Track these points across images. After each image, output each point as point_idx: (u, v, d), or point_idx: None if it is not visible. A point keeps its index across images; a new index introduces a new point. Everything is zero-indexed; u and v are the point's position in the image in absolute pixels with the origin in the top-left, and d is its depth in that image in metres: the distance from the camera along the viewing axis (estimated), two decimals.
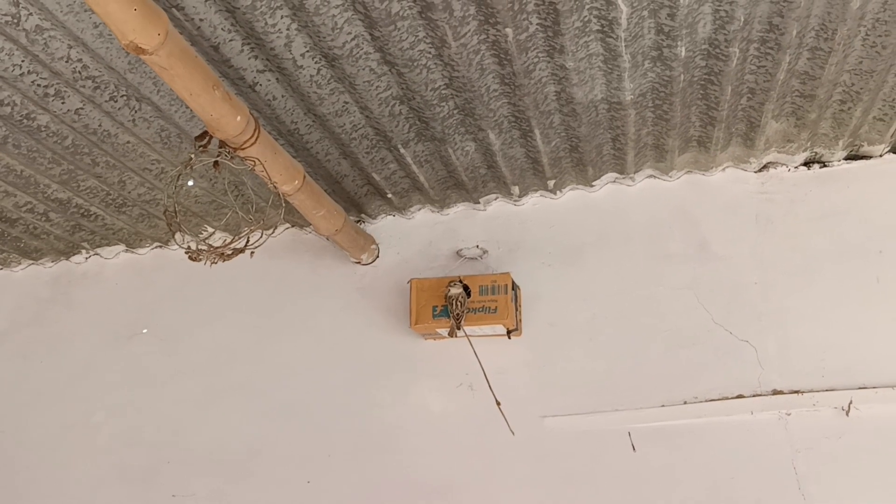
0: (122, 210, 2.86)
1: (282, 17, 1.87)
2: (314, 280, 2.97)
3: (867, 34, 2.09)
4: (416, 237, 2.98)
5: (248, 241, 1.97)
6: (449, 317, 2.60)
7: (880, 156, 2.70)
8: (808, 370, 2.46)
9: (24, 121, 2.23)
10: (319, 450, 2.74)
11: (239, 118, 1.92)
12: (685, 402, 2.52)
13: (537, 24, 1.96)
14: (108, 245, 3.18)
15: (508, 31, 1.94)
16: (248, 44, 1.96)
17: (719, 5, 1.93)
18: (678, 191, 2.82)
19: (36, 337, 3.19)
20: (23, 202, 2.73)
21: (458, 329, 2.54)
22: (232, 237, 1.93)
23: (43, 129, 2.29)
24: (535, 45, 2.03)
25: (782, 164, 2.76)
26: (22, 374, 3.13)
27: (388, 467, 2.67)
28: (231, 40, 1.94)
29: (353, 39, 1.96)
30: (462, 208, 2.97)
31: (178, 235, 1.90)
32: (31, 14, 1.83)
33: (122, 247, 3.19)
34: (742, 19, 1.97)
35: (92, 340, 3.11)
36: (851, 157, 2.73)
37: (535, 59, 2.10)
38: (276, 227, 2.08)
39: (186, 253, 1.88)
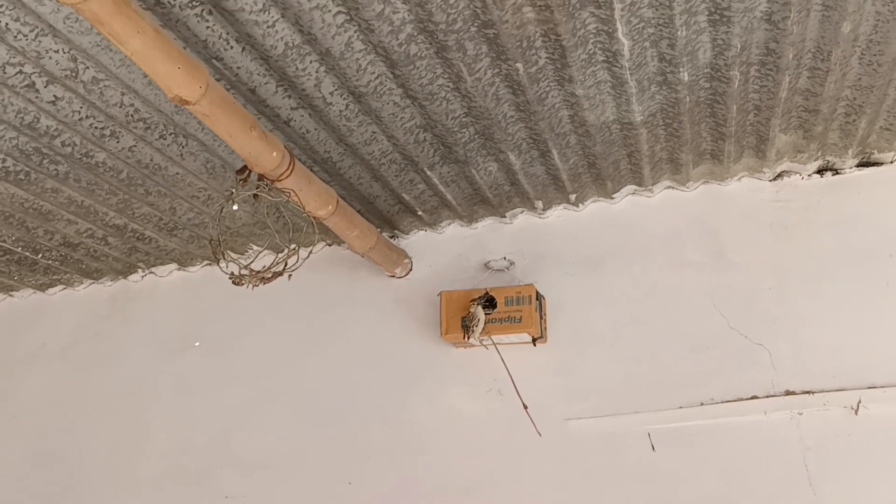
0: (174, 233, 3.09)
1: (311, 62, 2.05)
2: (351, 292, 3.16)
3: (863, 53, 2.20)
4: (447, 250, 3.15)
5: (286, 265, 2.16)
6: (475, 325, 2.76)
7: (891, 162, 2.79)
8: (820, 371, 2.57)
9: (84, 158, 2.46)
10: (359, 452, 2.92)
11: (275, 154, 2.11)
12: (702, 404, 2.65)
13: (546, 58, 2.11)
14: (161, 264, 3.41)
15: (519, 65, 2.10)
16: (282, 85, 2.15)
17: (716, 34, 2.07)
18: (696, 201, 2.94)
19: (96, 350, 3.42)
20: (84, 229, 2.97)
21: (469, 340, 2.70)
22: (272, 262, 2.12)
23: (100, 164, 2.51)
24: (545, 76, 2.19)
25: (796, 173, 2.86)
26: (84, 385, 3.36)
27: (423, 468, 2.84)
28: (266, 83, 2.13)
29: (376, 78, 2.14)
30: (489, 222, 3.13)
31: (222, 263, 2.08)
32: (87, 68, 2.04)
33: (174, 265, 3.41)
34: (739, 46, 2.11)
35: (147, 353, 3.33)
36: (863, 164, 2.82)
37: (547, 88, 2.25)
38: (311, 251, 2.24)
39: (230, 278, 2.08)
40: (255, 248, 3.22)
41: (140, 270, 3.45)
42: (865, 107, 2.45)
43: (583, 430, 2.73)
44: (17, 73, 2.03)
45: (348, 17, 1.89)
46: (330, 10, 1.85)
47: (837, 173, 2.85)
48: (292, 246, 2.14)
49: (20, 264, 3.26)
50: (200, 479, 3.06)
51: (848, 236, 2.74)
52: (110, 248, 3.16)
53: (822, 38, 2.11)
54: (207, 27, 1.88)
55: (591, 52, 2.10)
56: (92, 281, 3.53)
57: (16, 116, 2.21)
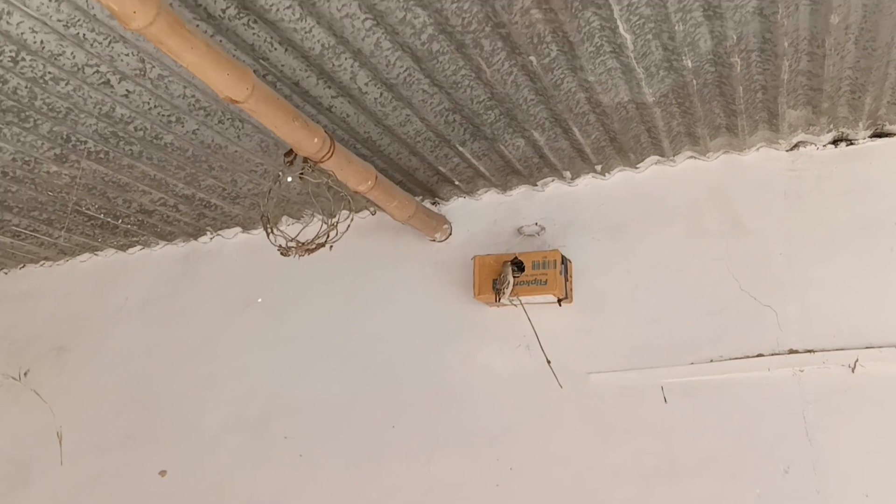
0: (236, 201, 3.42)
1: (345, 59, 2.32)
2: (395, 256, 3.45)
3: (857, 39, 2.35)
4: (483, 216, 3.40)
5: (328, 237, 2.45)
6: (506, 286, 3.03)
7: None
8: (822, 332, 2.76)
9: (154, 140, 2.79)
10: (401, 401, 3.23)
11: (316, 140, 2.39)
12: (711, 361, 2.87)
13: (557, 51, 2.33)
14: (227, 228, 3.75)
15: (532, 58, 2.33)
16: (322, 79, 2.42)
17: (712, 27, 2.26)
18: (715, 170, 3.12)
19: (171, 306, 3.81)
20: (157, 198, 3.32)
21: (500, 300, 2.98)
22: (315, 235, 2.42)
23: (168, 145, 2.84)
24: (558, 65, 2.41)
25: (811, 143, 3.01)
26: (160, 338, 3.75)
27: (458, 416, 3.13)
28: (308, 77, 2.40)
29: (405, 71, 2.39)
30: (523, 190, 3.37)
31: (271, 237, 2.39)
32: (153, 67, 2.35)
33: (238, 229, 3.76)
34: (735, 37, 2.29)
35: (215, 309, 3.70)
36: (876, 135, 2.96)
37: (562, 76, 2.47)
38: (349, 225, 2.53)
39: (278, 250, 2.39)
40: (309, 213, 3.54)
41: (209, 233, 3.80)
42: (868, 85, 2.59)
43: (602, 384, 2.99)
44: (94, 73, 2.35)
45: (375, 23, 2.14)
46: (359, 18, 2.11)
47: (851, 144, 2.99)
48: (333, 220, 2.43)
49: (103, 228, 3.65)
50: (262, 423, 3.42)
51: (858, 205, 2.90)
52: (181, 214, 3.52)
53: (814, 28, 2.28)
54: (253, 34, 2.16)
55: (598, 44, 2.31)
56: (166, 242, 3.91)
57: (94, 107, 2.54)
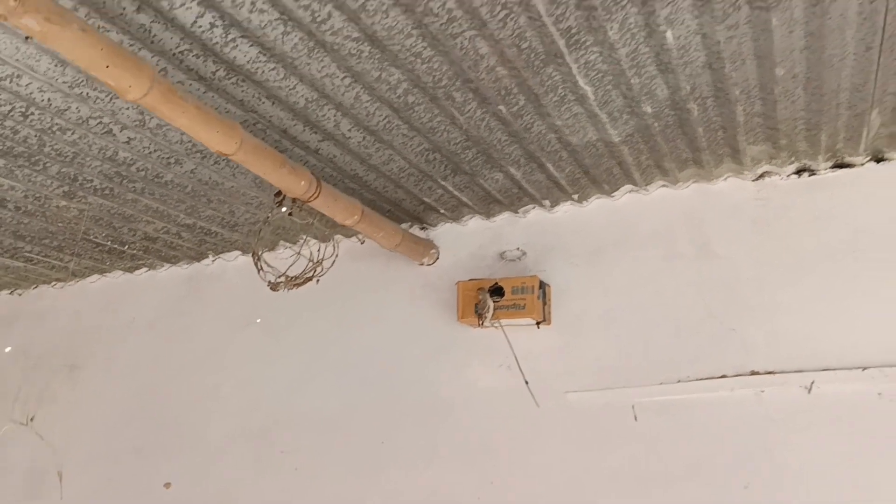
0: (235, 229, 3.62)
1: (328, 110, 2.51)
2: (386, 278, 3.65)
3: (805, 86, 2.51)
4: (469, 241, 3.59)
5: (315, 272, 2.65)
6: (486, 311, 3.22)
7: (862, 164, 3.08)
8: (782, 354, 2.93)
9: (155, 179, 2.99)
10: (391, 416, 3.42)
11: (303, 182, 2.59)
12: (679, 381, 3.05)
13: (524, 100, 2.51)
14: (227, 251, 3.96)
15: (501, 107, 2.52)
16: (308, 126, 2.62)
17: (666, 79, 2.43)
18: (687, 198, 3.29)
19: (176, 325, 4.03)
20: (160, 227, 3.53)
21: (482, 324, 3.17)
22: (302, 271, 2.62)
23: (169, 182, 3.05)
24: (527, 112, 2.59)
25: (776, 174, 3.18)
26: (165, 355, 3.97)
27: (444, 431, 3.32)
28: (295, 125, 2.60)
29: (384, 118, 2.59)
30: (506, 216, 3.55)
31: (261, 273, 2.58)
32: (152, 118, 2.55)
33: (238, 252, 3.96)
34: (689, 87, 2.47)
35: (218, 328, 3.91)
36: (837, 166, 3.13)
37: (531, 121, 2.66)
38: (334, 261, 2.72)
39: (268, 285, 2.58)
40: (303, 237, 3.73)
41: (210, 256, 4.01)
42: (821, 124, 2.76)
43: (579, 402, 3.17)
44: (97, 124, 2.55)
45: (353, 80, 2.33)
46: (338, 76, 2.30)
47: (814, 174, 3.15)
48: (319, 258, 2.62)
49: (110, 253, 3.86)
50: (261, 435, 3.63)
51: (821, 232, 3.05)
52: (183, 240, 3.73)
53: (762, 79, 2.45)
54: (242, 91, 2.36)
55: (562, 94, 2.49)
56: (171, 264, 4.12)
57: (99, 152, 2.75)
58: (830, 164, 3.10)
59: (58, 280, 4.32)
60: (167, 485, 3.70)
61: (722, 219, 3.22)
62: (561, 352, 3.27)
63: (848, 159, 3.08)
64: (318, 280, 2.66)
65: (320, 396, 3.60)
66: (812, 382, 2.87)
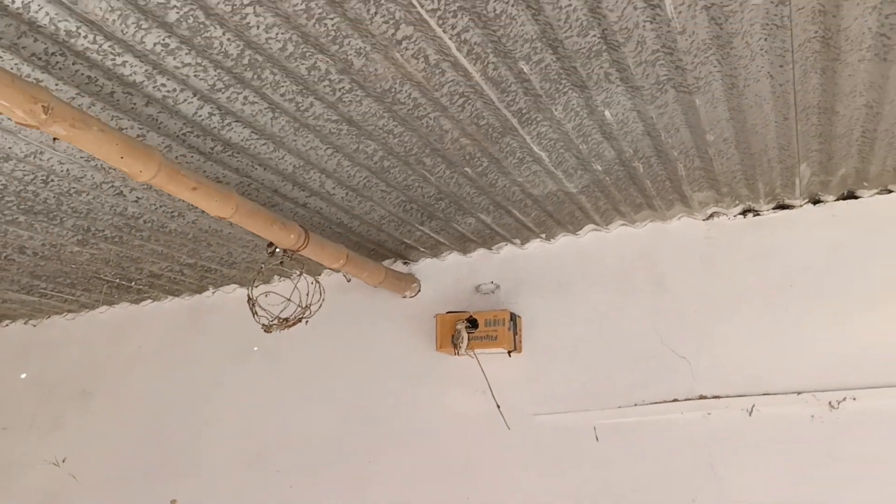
0: (233, 266, 3.95)
1: (314, 174, 2.84)
2: (371, 311, 3.97)
3: (735, 146, 2.83)
4: (447, 275, 3.92)
5: (304, 315, 2.98)
6: (462, 341, 3.55)
7: (800, 206, 3.40)
8: (726, 380, 3.25)
9: (160, 228, 3.32)
10: (376, 438, 3.75)
11: (292, 236, 2.91)
12: (635, 405, 3.37)
13: (487, 162, 2.84)
14: (226, 285, 4.29)
15: (468, 169, 2.85)
16: (296, 186, 2.94)
17: (611, 144, 2.76)
18: (644, 237, 3.62)
19: (179, 353, 4.35)
20: (164, 266, 3.86)
21: (458, 353, 3.49)
22: (293, 314, 2.94)
23: (172, 231, 3.38)
24: (491, 171, 2.92)
25: (724, 214, 3.51)
26: (170, 382, 4.29)
27: (426, 452, 3.64)
28: (284, 185, 2.93)
29: (364, 179, 2.91)
30: (481, 252, 3.88)
31: (256, 317, 2.91)
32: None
33: (236, 285, 4.29)
34: (631, 151, 2.80)
35: (219, 356, 4.23)
36: (778, 207, 3.45)
37: (495, 178, 2.98)
38: (321, 304, 3.06)
39: (262, 328, 2.91)
40: (297, 273, 4.06)
41: (211, 289, 4.34)
42: (756, 175, 3.09)
43: (546, 424, 3.49)
44: (109, 187, 2.88)
45: (335, 151, 2.67)
46: (321, 148, 2.64)
47: (757, 214, 3.47)
48: (307, 302, 2.95)
49: (118, 288, 4.19)
50: (259, 458, 3.95)
51: (760, 269, 3.37)
52: (185, 276, 4.05)
53: (696, 142, 2.77)
54: (237, 161, 2.69)
55: (520, 157, 2.82)
56: (174, 296, 4.44)
57: (110, 209, 3.08)
58: (772, 205, 3.43)
59: (69, 311, 4.65)
60: (173, 502, 4.01)
61: (674, 256, 3.54)
62: (530, 378, 3.60)
63: (787, 201, 3.40)
64: (307, 321, 2.98)
65: (312, 420, 3.92)
66: (753, 406, 3.19)
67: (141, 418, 4.29)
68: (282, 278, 4.12)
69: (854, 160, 2.97)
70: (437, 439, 3.67)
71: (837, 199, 3.34)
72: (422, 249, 3.80)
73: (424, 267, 3.98)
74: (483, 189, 3.06)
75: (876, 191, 3.25)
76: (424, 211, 3.29)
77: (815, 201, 3.38)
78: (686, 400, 3.31)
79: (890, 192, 3.25)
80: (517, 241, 3.73)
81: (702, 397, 3.29)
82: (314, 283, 3.02)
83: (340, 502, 3.73)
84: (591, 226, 3.65)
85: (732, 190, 3.25)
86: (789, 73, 2.30)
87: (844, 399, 3.08)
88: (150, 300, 4.49)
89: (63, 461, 4.41)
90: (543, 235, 3.69)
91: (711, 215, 3.52)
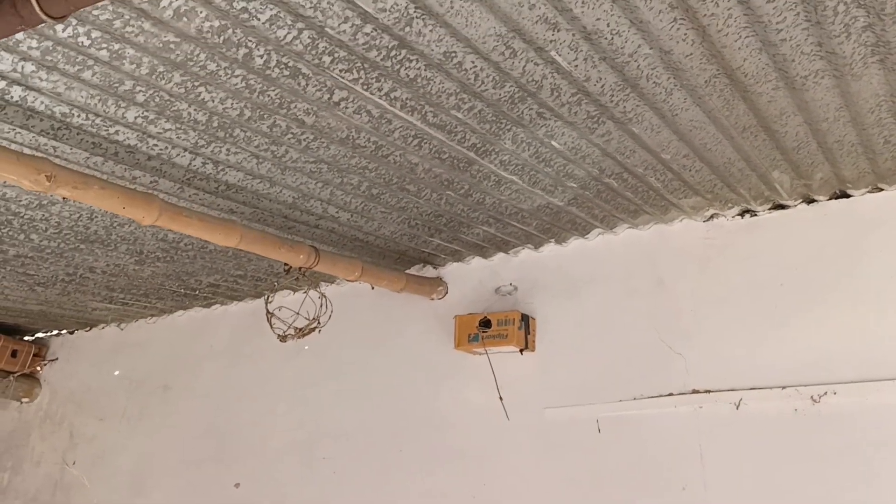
0: (278, 275, 4.38)
1: (313, 202, 3.20)
2: (404, 312, 4.32)
3: (699, 160, 3.01)
4: (471, 278, 4.22)
5: (317, 324, 3.36)
6: (478, 340, 3.86)
7: (794, 206, 3.52)
8: (717, 375, 3.41)
9: (202, 248, 3.78)
10: (406, 428, 4.11)
11: (302, 256, 3.29)
12: (634, 398, 3.59)
13: (468, 185, 3.12)
14: (280, 290, 4.74)
15: (450, 192, 3.14)
16: (303, 212, 3.32)
17: (577, 165, 2.99)
18: (648, 239, 3.81)
19: (243, 351, 4.84)
20: (218, 278, 4.34)
21: (472, 351, 3.81)
22: (306, 325, 3.33)
23: (213, 250, 3.82)
24: (475, 191, 3.19)
25: (722, 215, 3.66)
26: (233, 378, 4.79)
27: (447, 440, 3.96)
28: (292, 212, 3.31)
29: (361, 203, 3.25)
30: (501, 256, 4.16)
31: (273, 329, 3.32)
32: None
33: (289, 291, 4.72)
34: (598, 171, 3.02)
35: (276, 354, 4.68)
36: (774, 207, 3.57)
37: (481, 196, 3.26)
38: (330, 316, 3.44)
39: (278, 338, 3.31)
40: (304, 293, 4.47)
41: (266, 294, 4.79)
42: (734, 183, 3.23)
43: (554, 417, 3.76)
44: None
45: (324, 184, 3.02)
46: (311, 183, 3.00)
47: (755, 215, 3.61)
48: (316, 315, 3.33)
49: (186, 296, 4.72)
50: (309, 447, 4.39)
51: (752, 268, 3.51)
52: (240, 285, 4.53)
53: (657, 159, 2.96)
54: (242, 197, 3.08)
55: (495, 180, 3.08)
56: (238, 301, 4.94)
57: (152, 236, 3.55)
58: (769, 206, 3.55)
59: (152, 315, 5.23)
60: (237, 485, 4.52)
61: (674, 256, 3.71)
62: (540, 374, 3.87)
63: (781, 202, 3.51)
64: (319, 331, 3.37)
65: (352, 413, 4.32)
66: (740, 400, 3.36)
67: (210, 410, 4.82)
68: (294, 292, 4.54)
69: (825, 166, 3.08)
70: (454, 430, 3.98)
71: (830, 199, 3.44)
72: (443, 256, 4.11)
73: (451, 271, 4.30)
74: (474, 206, 3.34)
75: (867, 189, 3.34)
76: (429, 226, 3.60)
77: (809, 201, 3.48)
78: (680, 394, 3.50)
79: (881, 189, 3.33)
80: (531, 245, 3.99)
81: (694, 391, 3.48)
82: (321, 296, 3.39)
83: (376, 485, 4.11)
84: (599, 229, 3.87)
85: (718, 195, 3.40)
86: (711, 102, 2.48)
87: (826, 393, 3.21)
88: (218, 304, 5.00)
89: (73, 464, 5.00)
90: (553, 240, 3.93)
91: (711, 216, 3.67)
